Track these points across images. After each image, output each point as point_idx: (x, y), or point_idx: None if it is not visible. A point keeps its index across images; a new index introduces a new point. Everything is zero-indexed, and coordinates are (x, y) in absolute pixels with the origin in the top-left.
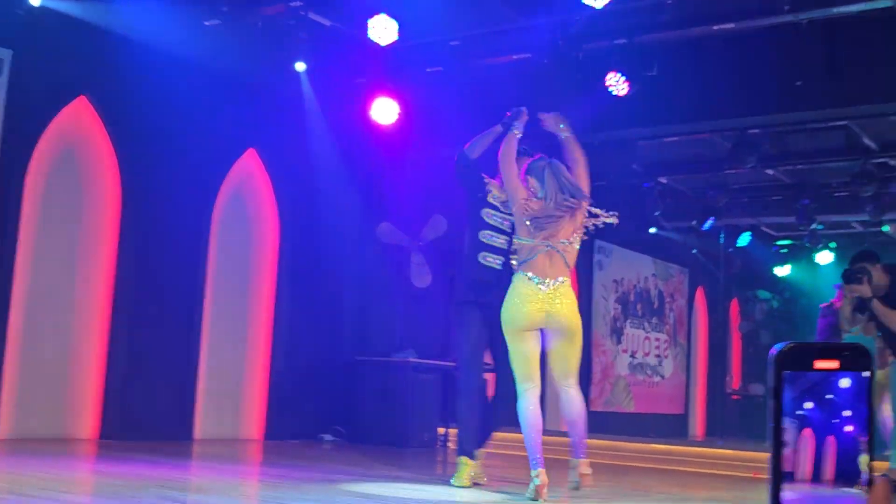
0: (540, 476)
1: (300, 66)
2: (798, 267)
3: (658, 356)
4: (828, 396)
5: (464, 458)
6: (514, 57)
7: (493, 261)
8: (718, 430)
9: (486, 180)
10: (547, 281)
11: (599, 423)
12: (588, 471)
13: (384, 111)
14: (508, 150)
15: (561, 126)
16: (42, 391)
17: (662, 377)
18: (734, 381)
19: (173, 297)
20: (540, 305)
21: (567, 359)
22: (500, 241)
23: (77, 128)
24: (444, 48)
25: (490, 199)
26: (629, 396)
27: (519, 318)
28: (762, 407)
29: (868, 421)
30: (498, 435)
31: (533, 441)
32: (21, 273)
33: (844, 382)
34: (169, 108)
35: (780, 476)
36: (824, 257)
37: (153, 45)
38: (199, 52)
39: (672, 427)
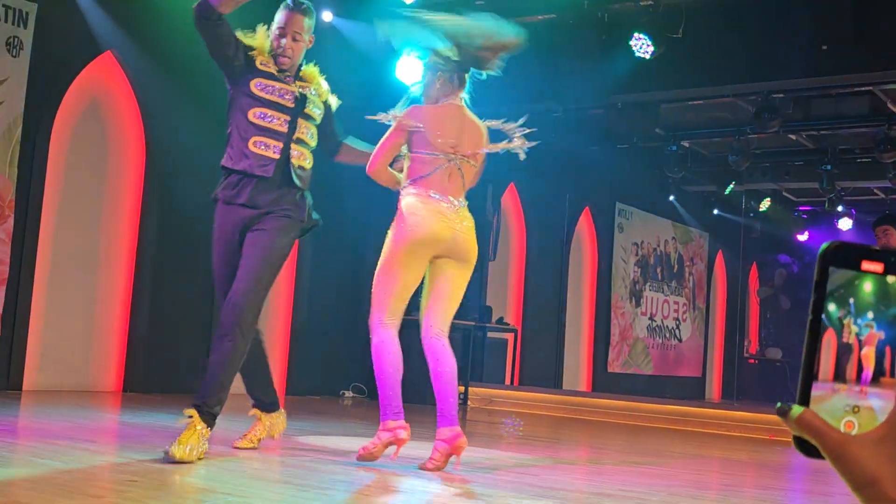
0: (406, 430)
1: (327, 16)
2: (819, 232)
3: (676, 319)
4: (853, 299)
5: (255, 412)
6: (540, 17)
7: (270, 149)
8: (735, 393)
9: (248, 39)
10: (451, 200)
11: (617, 384)
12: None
13: (409, 70)
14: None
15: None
16: (67, 345)
17: (680, 340)
18: (752, 345)
19: (196, 252)
20: (448, 224)
21: (451, 298)
22: (278, 121)
23: (102, 83)
24: (470, 7)
25: (260, 66)
26: (647, 359)
27: (425, 234)
28: (779, 371)
29: None
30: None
31: (396, 385)
32: (46, 227)
33: (873, 286)
34: (194, 64)
35: (811, 370)
36: (845, 223)
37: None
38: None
39: (689, 389)
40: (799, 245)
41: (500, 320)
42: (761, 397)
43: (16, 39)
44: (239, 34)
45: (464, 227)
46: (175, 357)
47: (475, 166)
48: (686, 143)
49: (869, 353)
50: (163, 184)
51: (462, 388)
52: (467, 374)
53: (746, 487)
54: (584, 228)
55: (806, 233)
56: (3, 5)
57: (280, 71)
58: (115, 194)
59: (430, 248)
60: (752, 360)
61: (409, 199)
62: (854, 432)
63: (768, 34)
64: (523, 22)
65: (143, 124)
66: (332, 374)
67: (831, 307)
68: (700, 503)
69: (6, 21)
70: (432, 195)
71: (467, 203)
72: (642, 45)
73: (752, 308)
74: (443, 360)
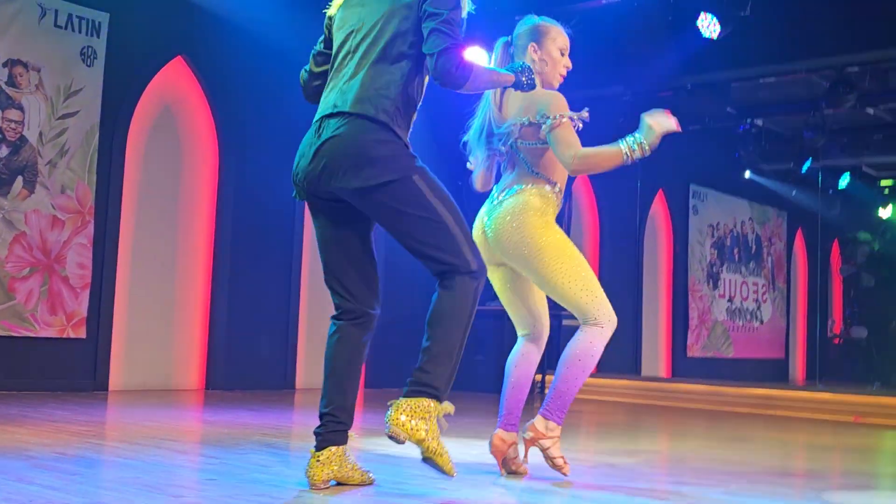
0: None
1: None
2: None
3: (756, 301)
4: None
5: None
6: (604, 1)
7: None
8: (819, 375)
9: None
10: (494, 193)
11: (697, 368)
12: (533, 435)
13: (476, 59)
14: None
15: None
16: (149, 345)
17: (761, 322)
18: (836, 324)
19: (272, 251)
20: (479, 225)
21: (510, 306)
22: None
23: (174, 87)
24: None
25: None
26: (728, 342)
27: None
28: (865, 350)
29: None
30: None
31: (508, 394)
32: (125, 231)
33: None
34: (264, 67)
35: None
36: None
37: (247, 3)
38: (291, 9)
39: (772, 372)
40: (882, 220)
41: None
42: (847, 377)
43: (90, 49)
44: None
45: (493, 219)
46: (254, 354)
47: (528, 144)
48: (759, 122)
49: None
50: (237, 185)
51: (539, 377)
52: (544, 363)
53: (832, 474)
54: (659, 212)
55: (889, 207)
56: (77, 16)
57: None
58: (190, 197)
59: (483, 254)
60: (836, 340)
61: None
62: None
63: (838, 7)
64: (590, 6)
65: (216, 127)
66: (408, 365)
67: None
68: (781, 490)
69: (80, 31)
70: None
71: (521, 186)
72: (709, 25)
73: (834, 287)
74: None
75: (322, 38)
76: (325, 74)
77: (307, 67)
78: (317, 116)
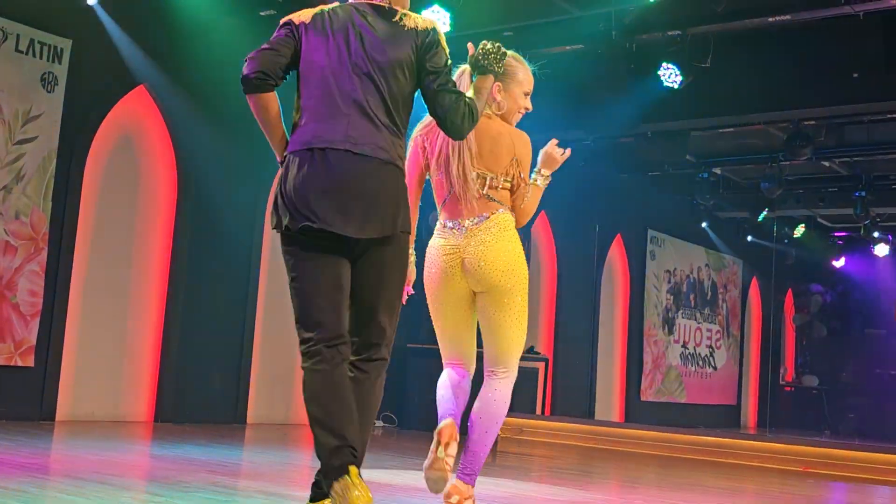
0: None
1: None
2: (855, 259)
3: (710, 347)
4: None
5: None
6: (568, 48)
7: None
8: (771, 422)
9: None
10: (461, 221)
11: (650, 412)
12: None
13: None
14: None
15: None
16: (99, 375)
17: (715, 368)
18: (788, 373)
19: (227, 284)
20: (452, 254)
21: (490, 334)
22: None
23: (135, 117)
24: (497, 39)
25: None
26: (681, 387)
27: (432, 277)
28: (815, 399)
29: None
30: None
31: (444, 402)
32: (79, 259)
33: None
34: (225, 98)
35: None
36: (882, 249)
37: (210, 35)
38: (255, 41)
39: (724, 417)
40: (835, 271)
41: (531, 349)
42: (798, 425)
43: (50, 75)
44: None
45: (473, 245)
46: (206, 387)
47: (500, 182)
48: (717, 171)
49: None
50: (194, 216)
51: None
52: None
53: None
54: (616, 256)
55: (842, 258)
56: (39, 42)
57: None
58: (147, 227)
59: (446, 289)
60: (788, 388)
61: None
62: None
63: (798, 63)
64: (551, 52)
65: (176, 157)
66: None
67: None
68: None
69: (41, 57)
70: (447, 224)
71: (495, 212)
72: (671, 75)
73: (787, 335)
74: (476, 401)
75: (284, 43)
76: (278, 84)
77: (265, 69)
78: (318, 145)
